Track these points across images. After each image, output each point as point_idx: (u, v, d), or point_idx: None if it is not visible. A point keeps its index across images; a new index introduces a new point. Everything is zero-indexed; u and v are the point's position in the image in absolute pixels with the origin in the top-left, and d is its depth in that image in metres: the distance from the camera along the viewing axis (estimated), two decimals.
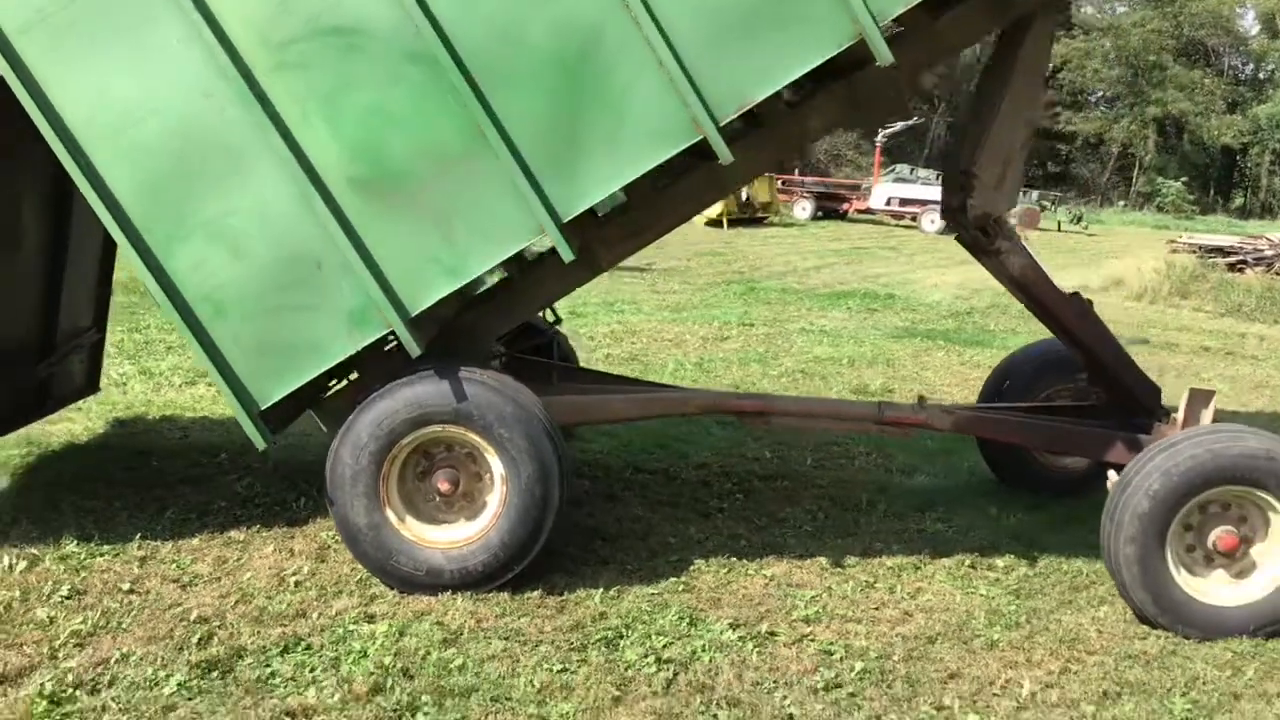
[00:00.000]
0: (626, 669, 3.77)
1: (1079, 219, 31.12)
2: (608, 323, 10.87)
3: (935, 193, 28.04)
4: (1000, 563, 4.92)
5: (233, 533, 4.75)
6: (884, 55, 3.97)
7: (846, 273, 17.50)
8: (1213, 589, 4.34)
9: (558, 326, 6.06)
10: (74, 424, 6.13)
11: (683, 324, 11.07)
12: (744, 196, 25.49)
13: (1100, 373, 5.19)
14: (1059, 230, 30.30)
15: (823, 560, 4.82)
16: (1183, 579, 4.33)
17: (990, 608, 4.45)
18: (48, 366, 5.37)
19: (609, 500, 5.48)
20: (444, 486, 4.30)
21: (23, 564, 4.27)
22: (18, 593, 4.03)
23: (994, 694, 3.76)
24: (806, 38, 4.00)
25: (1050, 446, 5.45)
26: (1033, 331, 11.61)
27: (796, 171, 32.12)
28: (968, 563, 4.91)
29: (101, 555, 4.42)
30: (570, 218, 4.12)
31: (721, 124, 4.07)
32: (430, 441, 4.30)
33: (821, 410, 5.27)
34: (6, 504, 4.94)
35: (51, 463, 5.59)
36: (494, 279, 4.92)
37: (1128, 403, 5.13)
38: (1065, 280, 16.22)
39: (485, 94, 4.02)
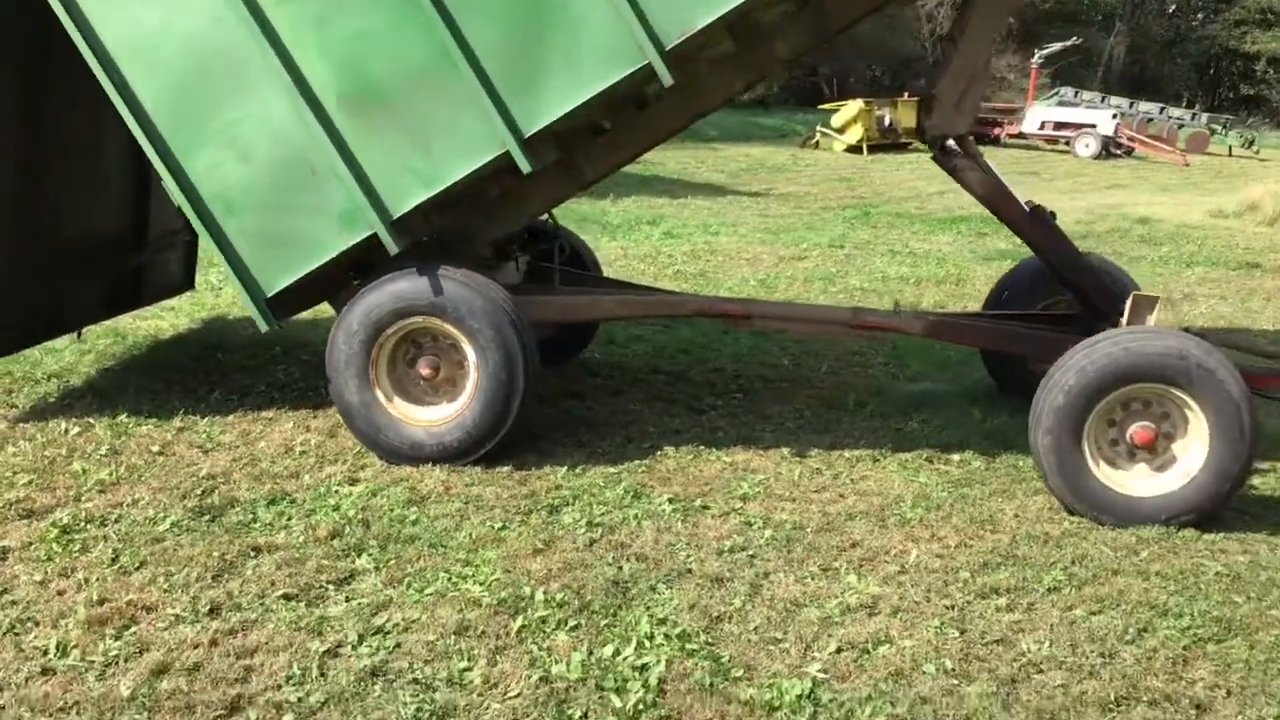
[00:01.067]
0: (558, 529, 4.30)
1: (1251, 143, 29.70)
2: (694, 242, 11.30)
3: (1093, 116, 27.30)
4: (957, 457, 5.25)
5: (265, 411, 5.44)
6: None
7: (965, 199, 17.38)
8: (1130, 480, 4.60)
9: (567, 234, 6.56)
10: (162, 320, 6.96)
11: (770, 245, 11.40)
12: (886, 121, 25.31)
13: (1064, 281, 5.43)
14: (1229, 154, 29.03)
15: (785, 450, 5.23)
16: (1101, 470, 4.60)
17: (922, 493, 4.81)
18: (140, 258, 6.11)
19: (612, 395, 6.00)
20: (425, 371, 4.89)
21: (76, 429, 5.05)
22: (64, 450, 4.81)
23: (883, 560, 4.15)
24: None
25: (1001, 348, 5.69)
26: (1135, 256, 11.60)
27: None
28: (925, 456, 5.25)
29: (145, 425, 5.17)
30: (531, 133, 4.60)
31: (666, 49, 4.47)
32: (416, 331, 4.88)
33: (799, 314, 5.66)
34: (83, 382, 5.75)
35: (130, 350, 6.40)
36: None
37: (1090, 309, 5.37)
38: (1203, 204, 15.94)
39: (452, 18, 4.51)
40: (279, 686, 3.18)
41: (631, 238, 11.50)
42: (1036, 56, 30.63)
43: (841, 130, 24.88)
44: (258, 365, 6.17)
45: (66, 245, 5.45)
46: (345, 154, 4.65)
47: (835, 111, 25.46)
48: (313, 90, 4.62)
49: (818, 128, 25.57)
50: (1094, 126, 26.35)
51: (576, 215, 12.66)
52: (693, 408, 5.86)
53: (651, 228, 12.30)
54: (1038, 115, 27.81)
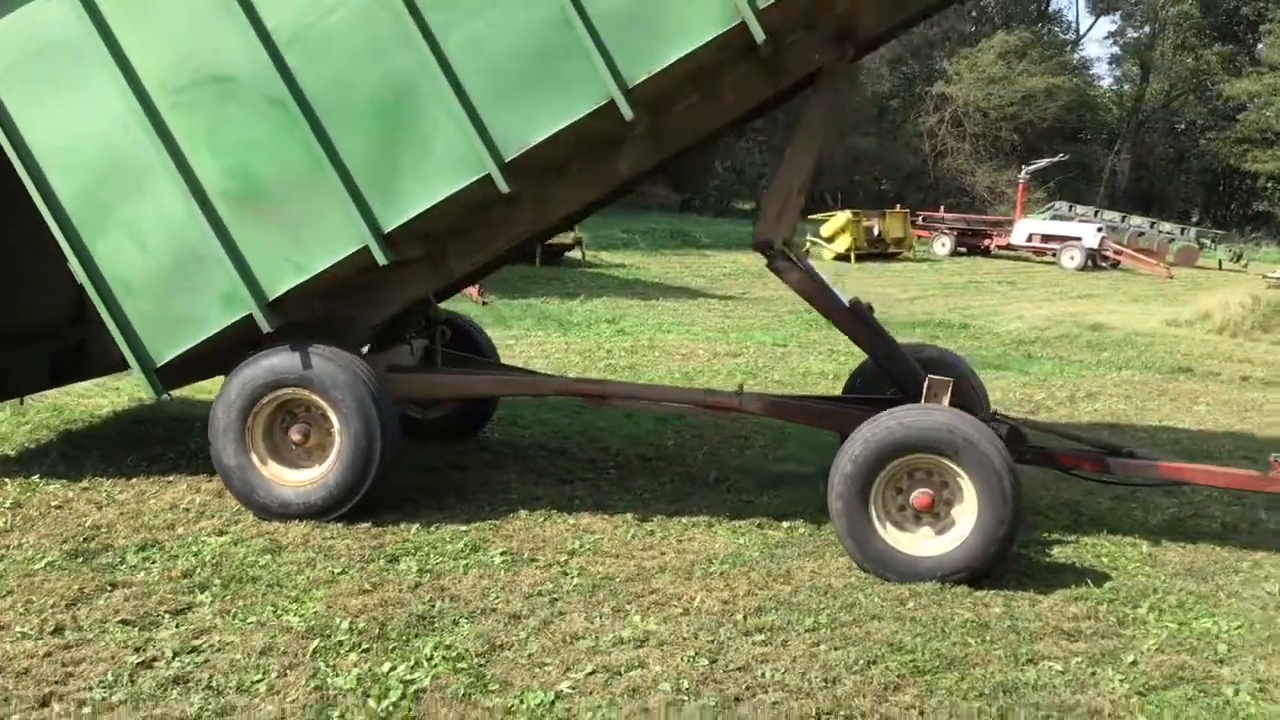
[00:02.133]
0: (391, 574, 4.86)
1: (1239, 257, 30.35)
2: (640, 339, 11.93)
3: (1080, 229, 28.01)
4: (786, 524, 5.77)
5: (167, 475, 6.05)
6: (627, 113, 4.97)
7: (939, 305, 18.02)
8: (912, 540, 5.12)
9: (466, 321, 7.21)
10: (102, 398, 7.61)
11: (712, 343, 12.03)
12: (875, 232, 26.10)
13: (883, 369, 6.02)
14: (1219, 268, 29.63)
15: (630, 516, 5.78)
16: (888, 532, 5.12)
17: (736, 553, 5.34)
18: (80, 333, 6.71)
19: (492, 467, 6.57)
20: (296, 437, 5.50)
21: None
22: None
23: (671, 605, 4.67)
24: (568, 96, 5.04)
25: (823, 426, 6.22)
26: (1075, 360, 12.14)
27: (942, 209, 32.40)
28: (757, 523, 5.79)
29: (54, 484, 5.79)
30: (390, 229, 5.27)
31: (506, 161, 5.14)
32: (290, 401, 5.50)
33: (651, 394, 6.27)
34: (12, 448, 6.38)
35: (64, 423, 7.04)
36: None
37: (911, 393, 5.92)
38: (1164, 313, 16.42)
39: (325, 131, 5.21)
40: (90, 689, 3.73)
41: (583, 334, 12.14)
42: (1023, 171, 31.48)
43: (830, 239, 25.68)
44: (173, 437, 6.78)
45: (6, 323, 6.09)
46: (228, 244, 5.32)
47: (825, 222, 26.26)
48: (203, 189, 5.31)
49: (807, 237, 26.38)
50: (1079, 239, 27.05)
51: (539, 312, 13.40)
52: (562, 479, 6.43)
53: (608, 325, 12.96)
54: (1026, 228, 28.56)
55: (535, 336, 11.68)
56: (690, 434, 7.66)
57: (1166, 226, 31.95)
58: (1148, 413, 9.39)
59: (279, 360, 5.42)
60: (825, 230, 26.01)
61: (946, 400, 5.52)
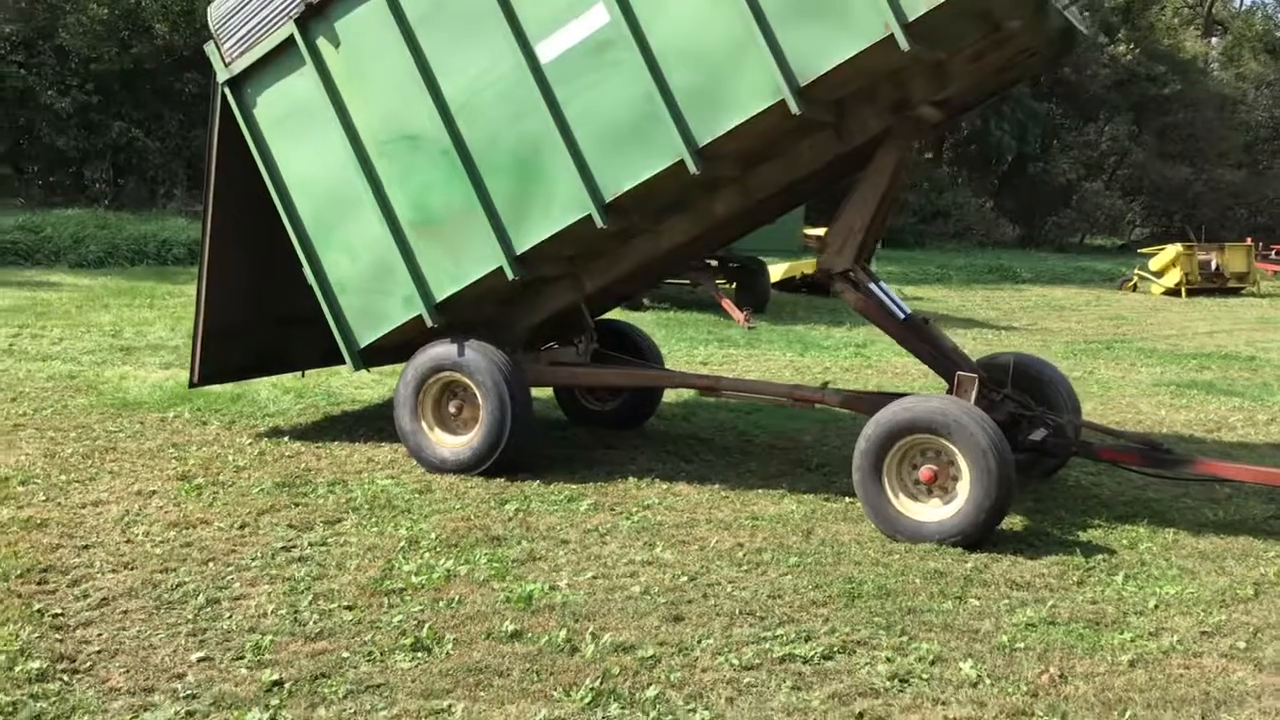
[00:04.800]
0: (493, 509, 6.33)
1: None
2: (874, 358, 12.88)
3: None
4: (849, 500, 6.76)
5: (381, 443, 7.81)
6: (692, 168, 6.21)
7: (1239, 339, 17.54)
8: (920, 509, 6.05)
9: (635, 331, 8.61)
10: (370, 389, 9.59)
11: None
12: (1213, 265, 25.20)
13: (940, 373, 6.91)
14: None
15: (718, 486, 6.98)
16: (900, 500, 6.09)
17: (780, 515, 6.44)
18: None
19: (634, 447, 7.92)
20: (453, 410, 7.11)
21: (248, 440, 7.65)
22: (232, 450, 7.40)
23: (692, 543, 5.87)
24: (650, 153, 6.36)
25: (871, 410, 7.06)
26: None
27: None
28: (825, 498, 6.82)
29: (296, 444, 7.69)
30: (521, 252, 6.78)
31: (606, 202, 6.53)
32: (451, 381, 7.12)
33: (751, 387, 7.45)
34: (283, 421, 8.38)
35: (329, 404, 9.02)
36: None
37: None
38: None
39: (479, 175, 6.82)
40: (241, 559, 5.42)
41: (820, 355, 13.20)
42: None
43: (1159, 274, 25.06)
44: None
45: (291, 312, 7.89)
46: (409, 259, 7.02)
47: (1154, 255, 25.63)
48: (395, 217, 7.05)
49: (1136, 271, 25.84)
50: None
51: (797, 336, 14.60)
52: (686, 459, 7.68)
53: (853, 350, 13.91)
54: None
55: (773, 356, 12.88)
56: (832, 430, 8.67)
57: None
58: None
59: (441, 350, 7.06)
60: (1154, 264, 25.36)
61: (973, 394, 6.38)
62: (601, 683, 4.18)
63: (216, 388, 8.84)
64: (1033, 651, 4.65)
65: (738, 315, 15.09)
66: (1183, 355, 15.00)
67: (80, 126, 24.84)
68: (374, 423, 8.31)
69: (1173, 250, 25.13)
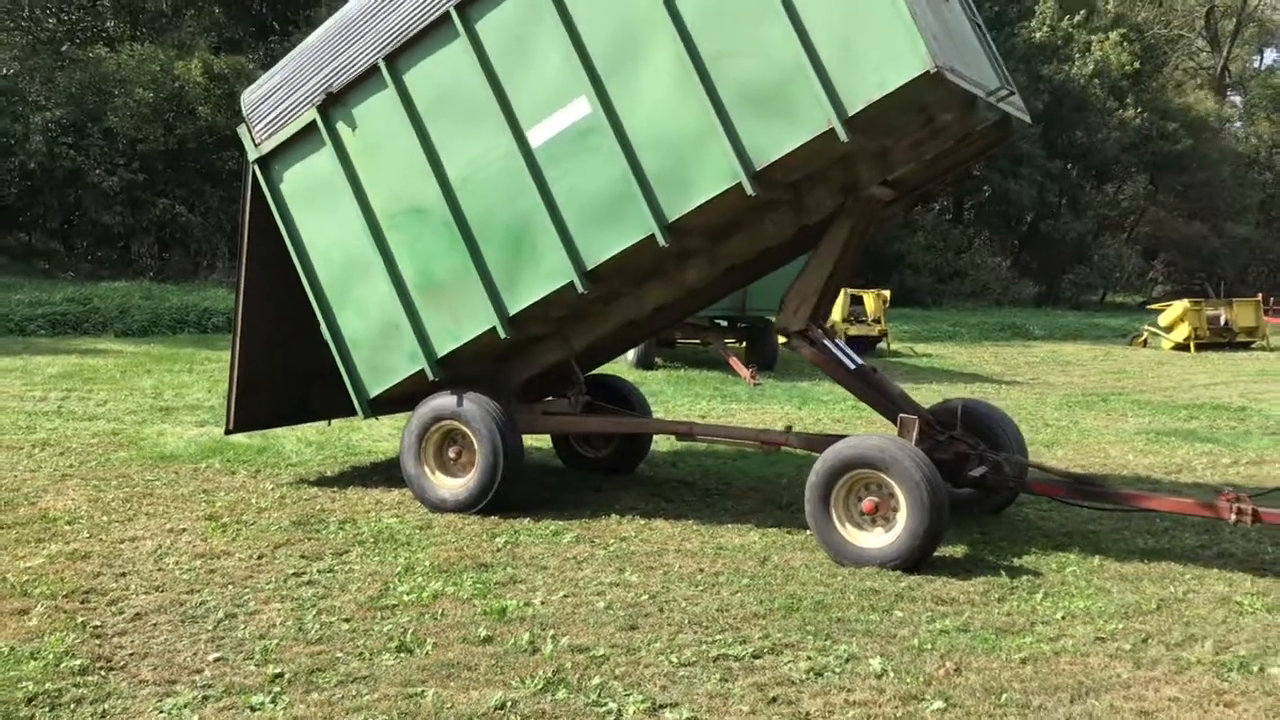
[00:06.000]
0: (484, 541, 7.07)
1: None
2: (867, 413, 13.54)
3: None
4: (810, 532, 7.46)
5: (391, 489, 8.59)
6: (661, 241, 7.01)
7: (1234, 390, 18.09)
8: (864, 537, 6.75)
9: (628, 386, 9.38)
10: (388, 442, 10.40)
11: None
12: (1221, 320, 25.72)
13: (888, 417, 7.62)
14: None
15: (692, 522, 7.70)
16: (846, 530, 6.79)
17: (743, 545, 7.15)
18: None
19: (620, 489, 8.64)
20: (453, 454, 7.89)
21: (270, 485, 8.45)
22: (254, 495, 8.20)
23: (657, 569, 6.59)
24: (626, 228, 7.16)
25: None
26: None
27: None
28: (788, 530, 7.52)
29: (313, 489, 8.48)
30: (513, 314, 7.57)
31: (588, 269, 7.32)
32: (451, 429, 7.90)
33: (722, 431, 8.21)
34: (304, 470, 9.18)
35: (347, 455, 9.82)
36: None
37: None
38: None
39: (476, 244, 7.65)
40: (258, 584, 6.18)
41: (816, 408, 13.90)
42: None
43: (1168, 329, 25.61)
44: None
45: (315, 367, 8.64)
46: (414, 319, 7.83)
47: (1163, 311, 26.19)
48: (402, 281, 7.88)
49: (1146, 327, 26.39)
50: None
51: (800, 392, 15.29)
52: (668, 499, 8.41)
53: (849, 404, 14.58)
54: None
55: (771, 409, 13.60)
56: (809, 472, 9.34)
57: None
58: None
59: (441, 401, 7.86)
60: (1163, 320, 25.94)
61: (914, 434, 7.09)
62: (555, 675, 4.90)
63: (245, 441, 9.69)
64: (938, 651, 5.33)
65: (744, 373, 15.94)
66: (1175, 406, 15.58)
67: (127, 204, 26.14)
68: (386, 471, 9.10)
69: (1180, 306, 25.71)
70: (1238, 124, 48.83)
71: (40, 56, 28.07)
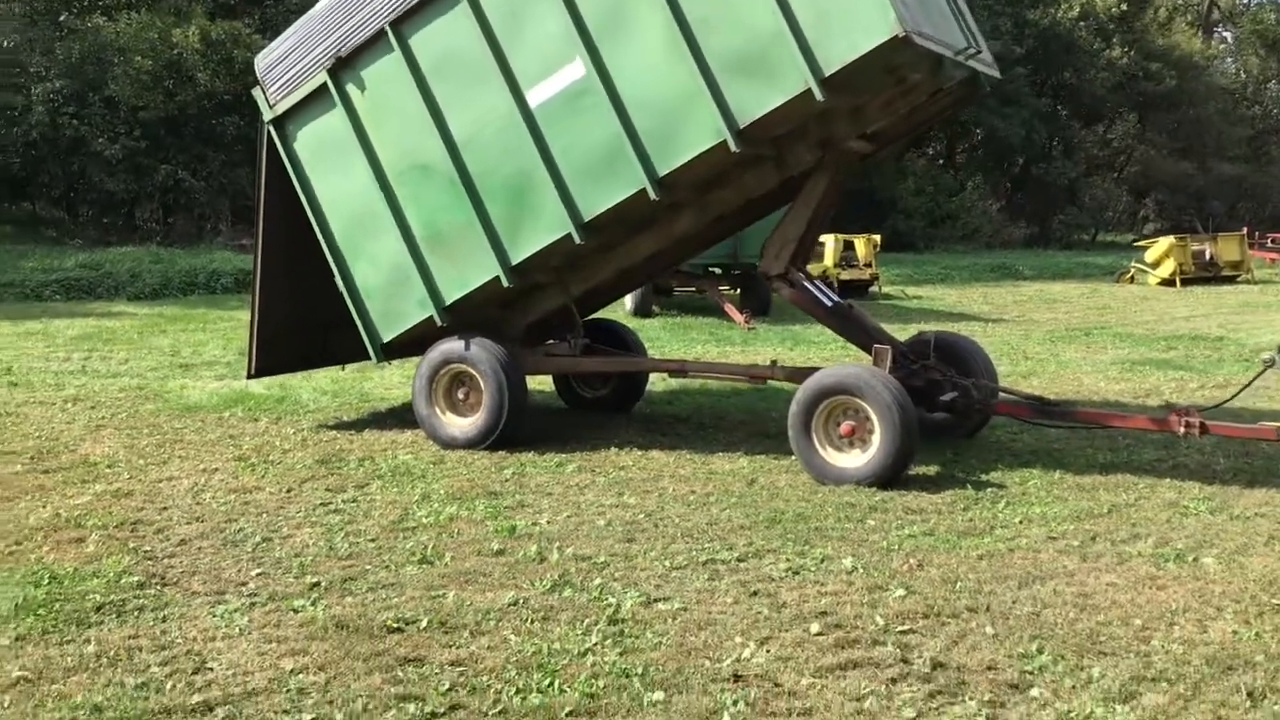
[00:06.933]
0: (493, 473, 7.67)
1: None
2: (855, 352, 14.10)
3: None
4: (794, 458, 8.05)
5: (405, 430, 9.18)
6: (653, 195, 7.55)
7: (1212, 323, 18.63)
8: (842, 458, 7.34)
9: (622, 329, 9.96)
10: (399, 389, 10.99)
11: None
12: (1206, 256, 26.22)
13: (861, 345, 8.20)
14: None
15: (686, 452, 8.28)
16: (826, 452, 7.38)
17: (733, 470, 7.74)
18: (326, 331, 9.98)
19: (620, 426, 9.23)
20: (461, 395, 8.48)
21: (291, 430, 9.05)
22: (278, 439, 8.80)
23: (652, 492, 7.19)
24: (619, 182, 7.68)
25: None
26: None
27: None
28: (775, 457, 8.11)
29: (331, 431, 9.08)
30: (515, 263, 8.13)
31: (585, 221, 7.85)
32: (460, 373, 8.48)
33: (712, 367, 8.83)
34: (321, 416, 9.77)
35: (361, 401, 10.41)
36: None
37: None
38: None
39: (480, 199, 8.18)
40: (289, 514, 6.78)
41: (808, 349, 14.48)
42: None
43: (1155, 265, 26.12)
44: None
45: (329, 315, 9.18)
46: (422, 269, 8.38)
47: (1148, 248, 26.71)
48: (411, 233, 8.42)
49: (1132, 264, 26.91)
50: None
51: (793, 334, 15.85)
52: (664, 433, 9.00)
53: (840, 344, 15.14)
54: None
55: (763, 351, 14.17)
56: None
57: None
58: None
59: (450, 346, 8.44)
60: (1149, 256, 26.45)
61: (887, 364, 7.67)
62: (560, 578, 5.51)
63: (264, 391, 10.30)
64: (904, 551, 5.95)
65: (738, 318, 16.50)
66: (1155, 338, 16.15)
67: (130, 170, 26.62)
68: (399, 415, 9.70)
69: (1165, 242, 26.23)
70: (1228, 60, 49.09)
71: (39, 27, 28.47)
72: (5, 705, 4.11)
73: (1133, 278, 26.72)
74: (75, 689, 4.23)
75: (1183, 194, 40.84)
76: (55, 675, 4.36)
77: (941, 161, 40.25)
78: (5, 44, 26.38)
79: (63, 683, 4.29)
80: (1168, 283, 25.61)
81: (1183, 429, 7.34)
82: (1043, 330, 17.44)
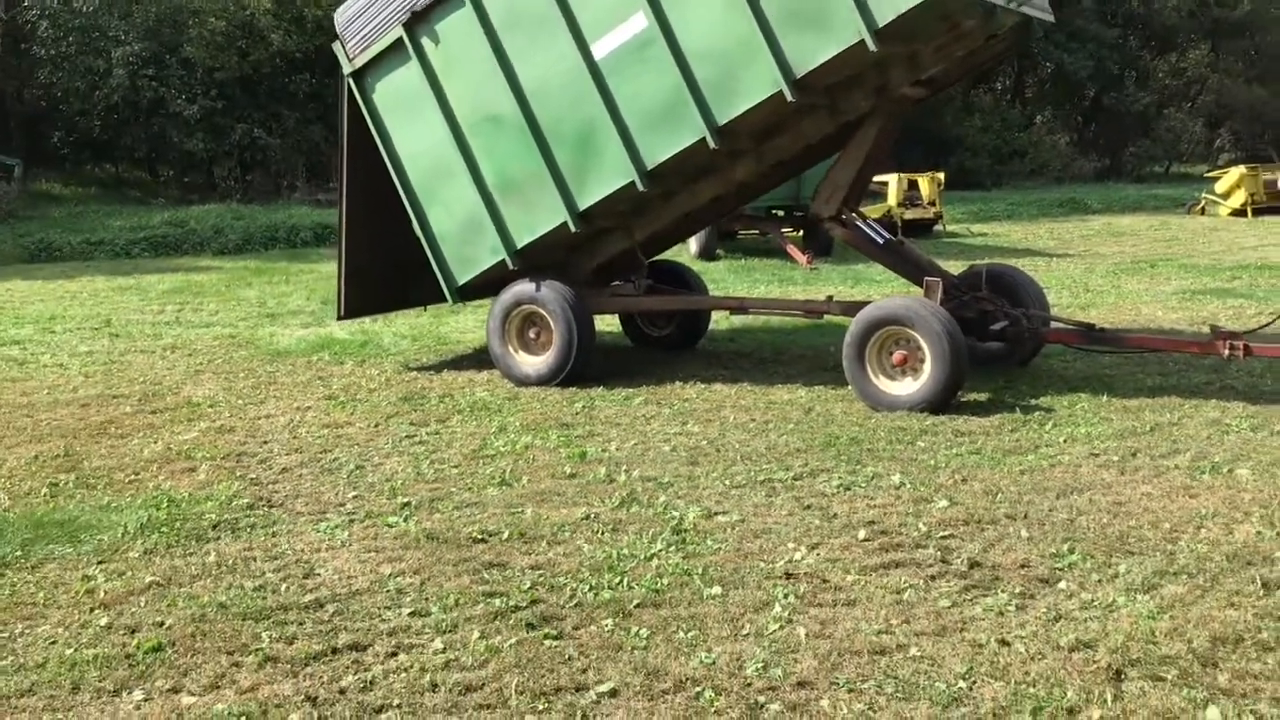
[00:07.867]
0: (566, 406, 8.15)
1: None
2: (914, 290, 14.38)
3: None
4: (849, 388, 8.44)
5: (481, 370, 9.70)
6: (712, 144, 7.91)
7: (1276, 253, 18.57)
8: (894, 386, 7.73)
9: (688, 271, 10.36)
10: (474, 333, 11.51)
11: None
12: (1279, 184, 25.89)
13: (916, 283, 8.53)
14: None
15: (747, 385, 8.71)
16: (879, 380, 7.77)
17: (791, 399, 8.16)
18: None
19: (686, 362, 9.68)
20: (533, 334, 8.97)
21: (375, 370, 9.62)
22: (366, 379, 9.37)
23: (714, 420, 7.64)
24: (680, 131, 8.06)
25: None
26: None
27: None
28: (833, 388, 8.51)
29: (413, 372, 9.63)
30: (582, 209, 8.56)
31: (648, 169, 8.25)
32: (531, 313, 8.97)
33: (771, 304, 9.21)
34: (402, 357, 10.34)
35: (438, 344, 10.95)
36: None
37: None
38: None
39: (548, 148, 8.61)
40: (374, 443, 7.34)
41: (866, 288, 14.79)
42: None
43: (1225, 196, 25.88)
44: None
45: (408, 258, 9.75)
46: (495, 215, 8.85)
47: (1219, 179, 26.44)
48: (484, 181, 8.88)
49: (1203, 194, 26.67)
50: None
51: (854, 274, 16.14)
52: (726, 367, 9.43)
53: (902, 283, 15.41)
54: None
55: (824, 290, 14.50)
56: None
57: None
58: None
59: (521, 288, 8.92)
60: (1219, 187, 26.17)
61: (938, 296, 8.01)
62: (628, 496, 5.99)
63: (348, 337, 10.90)
64: (950, 469, 6.34)
65: (800, 258, 16.72)
66: (1220, 269, 16.21)
67: (208, 130, 27.40)
68: (475, 357, 10.23)
69: (1236, 172, 25.92)
70: None
71: None
72: (142, 604, 4.68)
73: (1203, 209, 26.48)
74: (201, 591, 4.80)
75: (1259, 123, 40.05)
76: (182, 580, 4.93)
77: (1010, 97, 39.84)
78: (85, 8, 27.10)
79: (189, 586, 4.86)
80: (1239, 213, 25.35)
81: (1227, 351, 7.61)
82: (1107, 264, 17.52)
